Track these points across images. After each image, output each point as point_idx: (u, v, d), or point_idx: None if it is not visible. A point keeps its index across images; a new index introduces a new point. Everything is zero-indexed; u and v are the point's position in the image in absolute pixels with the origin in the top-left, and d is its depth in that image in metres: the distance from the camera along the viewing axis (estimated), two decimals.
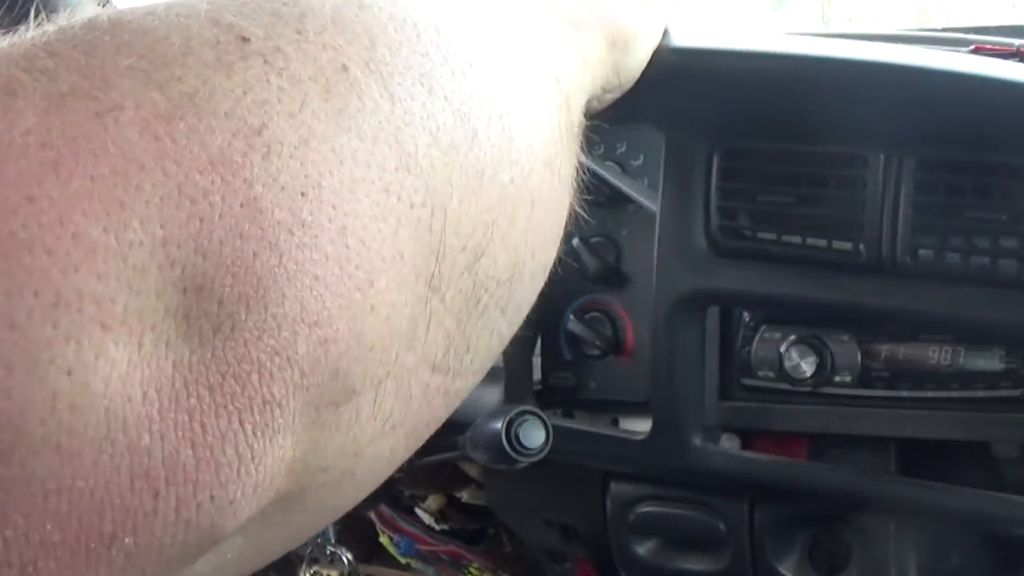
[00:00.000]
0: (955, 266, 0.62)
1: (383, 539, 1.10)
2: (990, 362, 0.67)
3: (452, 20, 0.34)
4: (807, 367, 0.71)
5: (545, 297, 0.79)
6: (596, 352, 0.77)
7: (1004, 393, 0.67)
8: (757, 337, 0.73)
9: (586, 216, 0.78)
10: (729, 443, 0.76)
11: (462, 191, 0.31)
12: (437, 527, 1.08)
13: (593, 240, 0.77)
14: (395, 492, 1.05)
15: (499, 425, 0.66)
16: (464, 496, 1.05)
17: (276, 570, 1.15)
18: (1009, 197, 0.62)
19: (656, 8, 0.58)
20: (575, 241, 0.77)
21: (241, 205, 0.26)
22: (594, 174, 0.76)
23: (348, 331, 0.28)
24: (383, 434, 0.32)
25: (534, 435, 0.66)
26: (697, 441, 0.71)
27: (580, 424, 0.79)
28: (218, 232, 0.25)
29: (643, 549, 0.80)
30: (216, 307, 0.25)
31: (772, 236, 0.67)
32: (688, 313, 0.69)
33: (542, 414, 0.67)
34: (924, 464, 0.72)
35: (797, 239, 0.66)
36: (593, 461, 0.78)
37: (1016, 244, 0.61)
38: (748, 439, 0.76)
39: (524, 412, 0.66)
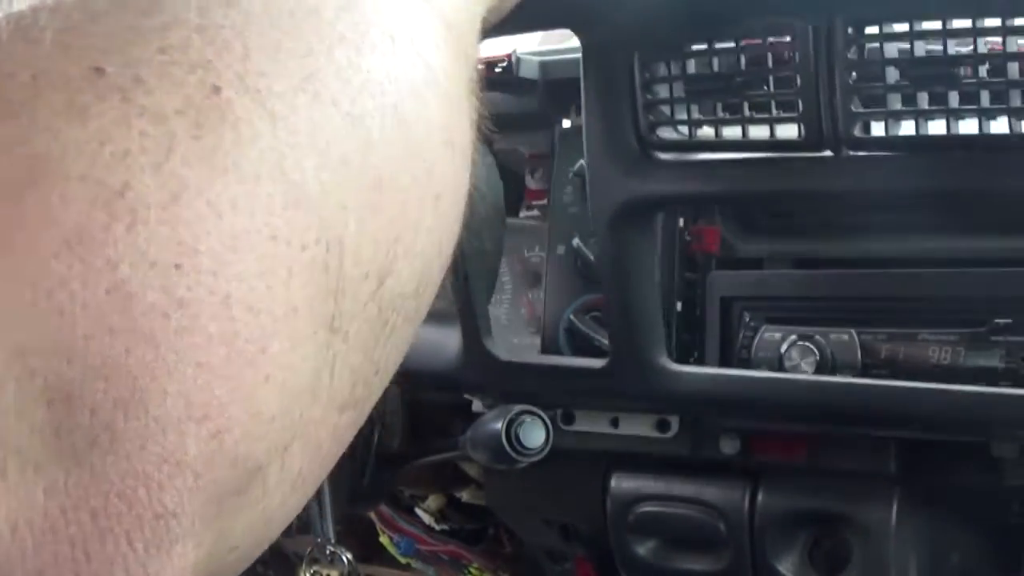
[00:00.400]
0: (907, 133, 0.58)
1: (383, 539, 1.10)
2: (990, 361, 0.67)
3: None
4: (807, 367, 0.71)
5: (545, 297, 0.80)
6: (596, 351, 0.77)
7: (1004, 393, 0.67)
8: (757, 337, 0.73)
9: (586, 216, 0.78)
10: (729, 444, 0.76)
11: (359, 211, 0.28)
12: (437, 527, 1.08)
13: (593, 240, 0.77)
14: (395, 492, 1.05)
15: (499, 425, 0.66)
16: (464, 496, 1.05)
17: (276, 570, 1.15)
18: (962, 41, 0.56)
19: None
20: (575, 241, 0.77)
21: (106, 292, 0.22)
22: None
23: (242, 413, 0.25)
24: (294, 491, 0.29)
25: (534, 435, 0.66)
26: (661, 362, 0.69)
27: (541, 360, 0.77)
28: (82, 328, 0.22)
29: (643, 549, 0.80)
30: (89, 418, 0.22)
31: (710, 131, 0.63)
32: (631, 222, 0.66)
33: (542, 414, 0.67)
34: (924, 464, 0.72)
35: (737, 132, 0.63)
36: (555, 397, 0.76)
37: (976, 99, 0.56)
38: (748, 439, 0.76)
39: (524, 412, 0.66)
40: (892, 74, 0.57)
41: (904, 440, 0.71)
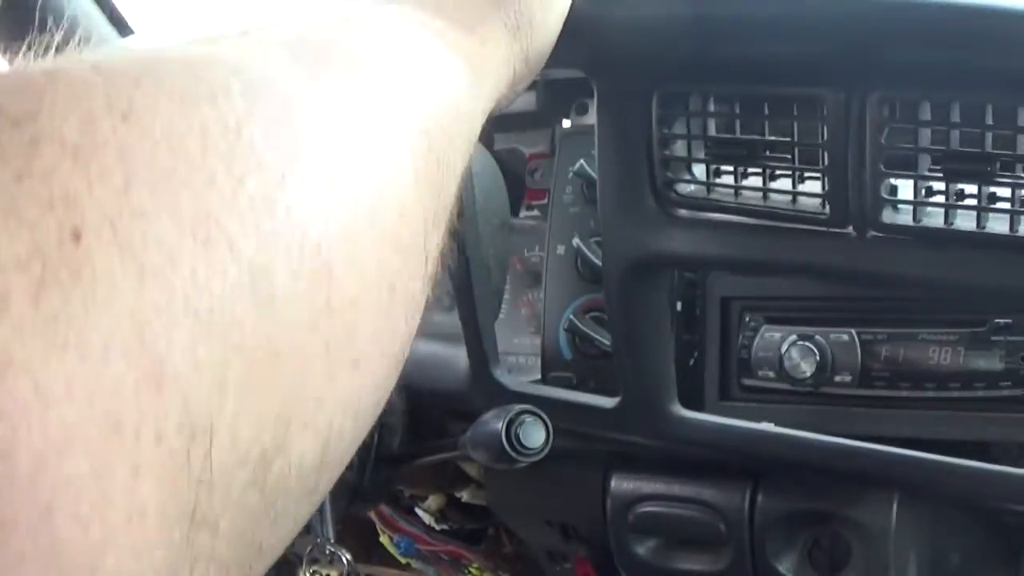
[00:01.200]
0: (934, 225, 0.55)
1: (383, 539, 1.10)
2: (990, 362, 0.67)
3: (265, 99, 0.25)
4: (807, 367, 0.71)
5: (545, 297, 0.80)
6: (596, 351, 0.77)
7: (1004, 393, 0.67)
8: (757, 337, 0.73)
9: (586, 216, 0.78)
10: None
11: (242, 389, 0.22)
12: (437, 527, 1.08)
13: (593, 240, 0.77)
14: (395, 492, 1.05)
15: (499, 425, 0.66)
16: (464, 496, 1.05)
17: (276, 570, 1.15)
18: (1001, 143, 0.53)
19: None
20: (575, 241, 0.77)
21: None
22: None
23: None
24: None
25: (534, 435, 0.66)
26: (671, 409, 0.69)
27: (551, 393, 0.77)
28: None
29: (643, 549, 0.80)
30: None
31: (729, 194, 0.61)
32: (644, 279, 0.65)
33: (542, 414, 0.67)
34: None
35: (758, 197, 0.60)
36: (565, 425, 0.76)
37: (1009, 197, 0.54)
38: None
39: (524, 412, 0.66)
40: (925, 162, 0.55)
41: (904, 440, 0.71)
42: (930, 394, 0.69)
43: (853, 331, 0.71)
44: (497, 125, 0.90)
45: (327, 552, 0.69)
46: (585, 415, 0.73)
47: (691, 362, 0.76)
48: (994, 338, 0.67)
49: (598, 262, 0.76)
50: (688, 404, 0.75)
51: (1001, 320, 0.66)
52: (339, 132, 0.26)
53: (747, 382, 0.74)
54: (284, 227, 0.23)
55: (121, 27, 0.98)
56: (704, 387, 0.75)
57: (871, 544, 0.72)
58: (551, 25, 0.48)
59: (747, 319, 0.74)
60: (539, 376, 0.79)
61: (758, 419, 0.74)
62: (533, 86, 0.85)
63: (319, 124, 0.26)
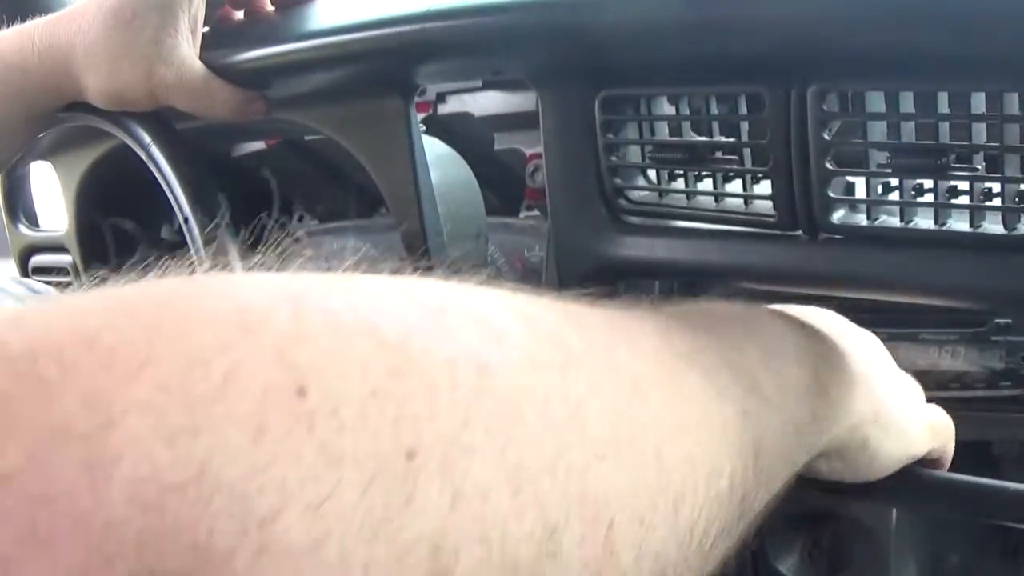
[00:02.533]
0: (890, 225, 0.51)
1: None
2: (990, 362, 0.67)
3: (608, 381, 0.28)
4: None
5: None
6: None
7: (1004, 393, 0.67)
8: None
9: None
10: None
11: None
12: None
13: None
14: None
15: None
16: None
17: None
18: (956, 133, 0.48)
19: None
20: None
21: None
22: None
23: None
24: None
25: None
26: None
27: None
28: None
29: None
30: None
31: (681, 200, 0.59)
32: (600, 284, 0.64)
33: None
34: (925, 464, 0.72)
35: (710, 202, 0.58)
36: None
37: (966, 199, 0.49)
38: None
39: None
40: (876, 158, 0.51)
41: None
42: (930, 394, 0.69)
43: None
44: (497, 125, 0.90)
45: None
46: None
47: None
48: (994, 338, 0.67)
49: None
50: None
51: (1001, 320, 0.66)
52: (674, 420, 0.29)
53: None
54: (588, 498, 0.25)
55: None
56: None
57: (871, 544, 0.72)
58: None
59: None
60: None
61: None
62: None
63: (655, 409, 0.29)
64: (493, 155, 0.89)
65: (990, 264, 0.49)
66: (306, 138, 0.99)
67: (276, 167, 1.06)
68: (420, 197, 0.68)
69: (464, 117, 0.91)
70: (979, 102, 0.47)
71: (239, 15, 0.75)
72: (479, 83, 0.88)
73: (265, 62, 0.68)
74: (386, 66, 0.65)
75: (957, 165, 0.48)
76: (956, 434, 0.68)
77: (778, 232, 0.54)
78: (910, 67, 0.47)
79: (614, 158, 0.59)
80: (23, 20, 0.72)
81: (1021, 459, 0.68)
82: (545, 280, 0.80)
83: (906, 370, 0.69)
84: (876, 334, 0.70)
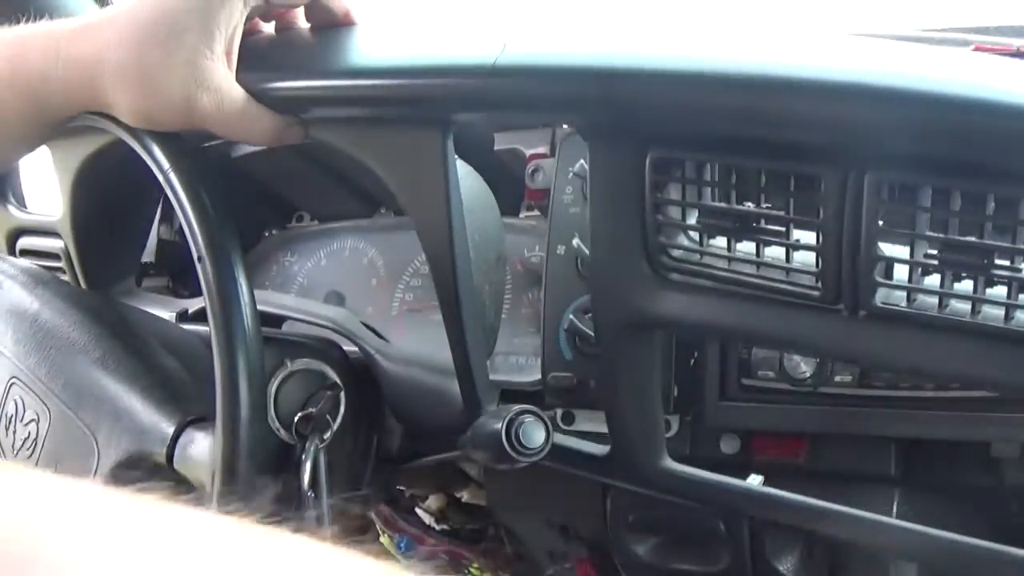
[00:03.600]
0: (927, 312, 0.54)
1: (383, 539, 1.10)
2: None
3: None
4: (807, 367, 0.71)
5: (545, 297, 0.80)
6: (596, 352, 0.77)
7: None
8: None
9: (586, 216, 0.78)
10: (729, 443, 0.76)
11: None
12: (437, 527, 1.08)
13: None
14: (395, 492, 1.05)
15: (499, 425, 0.66)
16: (464, 496, 1.05)
17: None
18: (1000, 233, 0.51)
19: None
20: (575, 241, 0.77)
21: None
22: None
23: None
24: None
25: (534, 435, 0.66)
26: (661, 464, 0.69)
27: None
28: None
29: (643, 549, 0.80)
30: None
31: (722, 263, 0.60)
32: (636, 340, 0.65)
33: (542, 414, 0.67)
34: (924, 464, 0.72)
35: (750, 270, 0.59)
36: (560, 467, 0.76)
37: (1004, 289, 0.52)
38: (748, 439, 0.76)
39: (524, 412, 0.66)
40: (922, 248, 0.53)
41: (904, 440, 0.71)
42: (930, 394, 0.69)
43: None
44: (498, 125, 0.90)
45: None
46: (577, 459, 0.74)
47: (691, 362, 0.76)
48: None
49: None
50: (688, 404, 0.75)
51: None
52: None
53: (747, 382, 0.74)
54: None
55: None
56: (704, 386, 0.75)
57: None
58: None
59: None
60: (539, 376, 0.79)
61: (759, 421, 0.74)
62: None
63: None
64: (493, 155, 0.89)
65: (1019, 356, 0.52)
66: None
67: (276, 167, 1.06)
68: (452, 231, 0.67)
69: None
70: None
71: (268, 27, 0.73)
72: None
73: (309, 93, 0.67)
74: (433, 110, 0.65)
75: (998, 263, 0.51)
76: (956, 434, 0.68)
77: (819, 306, 0.56)
78: (962, 169, 0.50)
79: (660, 216, 0.60)
80: (26, 20, 0.71)
81: (1021, 459, 0.68)
82: (545, 280, 0.80)
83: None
84: None
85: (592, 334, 0.76)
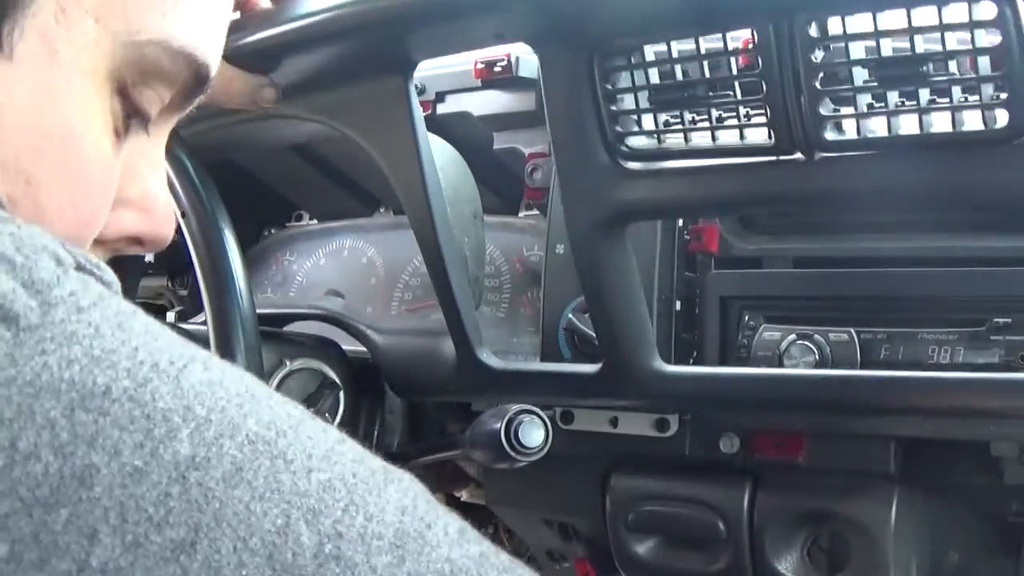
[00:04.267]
0: (879, 135, 0.56)
1: None
2: (989, 360, 0.67)
3: None
4: (806, 366, 0.71)
5: (544, 296, 0.80)
6: (596, 350, 0.77)
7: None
8: (756, 336, 0.73)
9: None
10: (728, 443, 0.76)
11: None
12: None
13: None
14: None
15: (499, 425, 0.66)
16: (464, 496, 1.04)
17: None
18: (930, 42, 0.53)
19: None
20: None
21: None
22: None
23: None
24: None
25: (533, 434, 0.66)
26: (653, 365, 0.68)
27: (534, 367, 0.78)
28: None
29: (643, 548, 0.80)
30: None
31: (679, 139, 0.62)
32: (606, 233, 0.65)
33: (542, 414, 0.67)
34: (924, 464, 0.72)
35: (706, 139, 0.61)
36: (551, 401, 0.77)
37: (945, 99, 0.54)
38: (748, 439, 0.76)
39: (523, 412, 0.66)
40: (860, 74, 0.56)
41: (904, 439, 0.71)
42: (929, 374, 0.68)
43: (852, 330, 0.70)
44: (497, 125, 0.90)
45: None
46: (570, 385, 0.73)
47: (691, 361, 0.76)
48: (993, 337, 0.67)
49: None
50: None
51: (1000, 319, 0.66)
52: None
53: None
54: None
55: None
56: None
57: (871, 544, 0.72)
58: None
59: (746, 318, 0.74)
60: None
61: (758, 420, 0.74)
62: (532, 86, 0.85)
63: None
64: (492, 155, 0.89)
65: (971, 162, 0.54)
66: (306, 138, 0.99)
67: (276, 167, 1.06)
68: (424, 177, 0.69)
69: (463, 117, 0.91)
70: (952, 12, 0.51)
71: (234, 15, 0.74)
72: (478, 83, 0.89)
73: (273, 40, 0.68)
74: (385, 38, 0.66)
75: (935, 73, 0.53)
76: (956, 434, 0.68)
77: (776, 158, 0.58)
78: None
79: (614, 106, 0.62)
80: None
81: (1021, 459, 0.68)
82: (545, 280, 0.80)
83: (906, 369, 0.69)
84: (875, 332, 0.71)
85: (592, 334, 0.76)
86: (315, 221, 1.11)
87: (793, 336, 0.71)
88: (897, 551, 0.71)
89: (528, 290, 0.91)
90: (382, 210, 1.06)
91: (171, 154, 0.68)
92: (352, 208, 1.06)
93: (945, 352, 0.68)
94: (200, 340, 0.80)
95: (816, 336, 0.71)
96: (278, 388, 0.72)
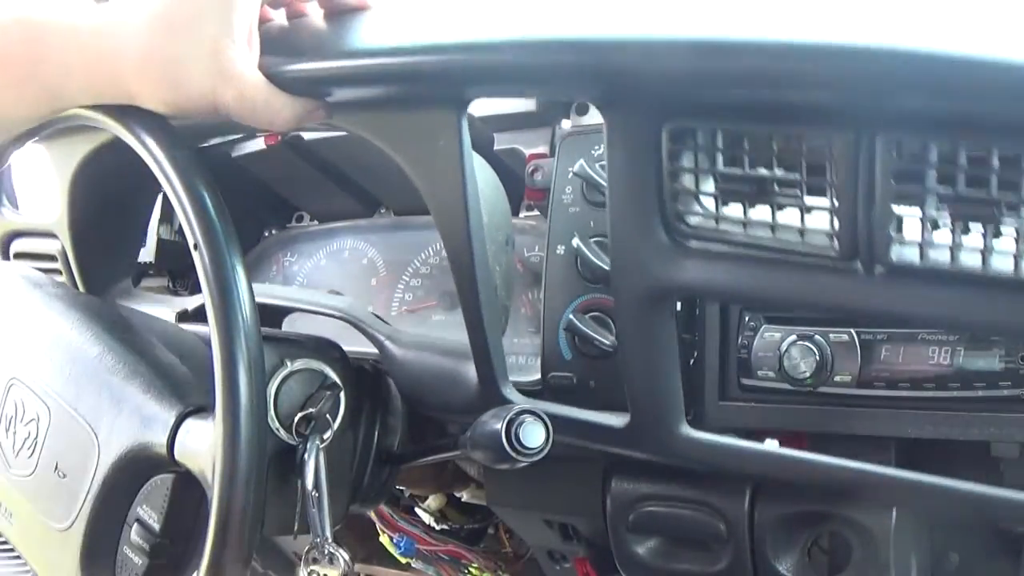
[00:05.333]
0: (939, 265, 0.56)
1: (383, 539, 1.10)
2: (990, 362, 0.67)
3: None
4: (807, 367, 0.71)
5: (545, 297, 0.80)
6: (596, 351, 0.77)
7: (1004, 393, 0.67)
8: (757, 337, 0.73)
9: (586, 216, 0.78)
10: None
11: None
12: (437, 527, 1.08)
13: (593, 240, 0.77)
14: (395, 492, 1.05)
15: (499, 425, 0.66)
16: (464, 496, 1.05)
17: (276, 570, 1.14)
18: (1006, 187, 0.53)
19: None
20: (575, 241, 0.77)
21: None
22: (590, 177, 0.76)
23: None
24: None
25: (534, 435, 0.66)
26: (680, 430, 0.69)
27: (560, 411, 0.77)
28: None
29: (643, 549, 0.80)
30: None
31: (738, 229, 0.62)
32: (655, 308, 0.66)
33: (542, 414, 0.67)
34: (924, 464, 0.72)
35: (766, 233, 0.61)
36: (577, 441, 0.76)
37: (1011, 241, 0.54)
38: (748, 438, 0.76)
39: (524, 412, 0.66)
40: (932, 202, 0.55)
41: (904, 440, 0.71)
42: (930, 394, 0.69)
43: (853, 331, 0.71)
44: (497, 125, 0.90)
45: (326, 552, 0.69)
46: (594, 432, 0.74)
47: (691, 362, 0.76)
48: (993, 338, 0.67)
49: (598, 262, 0.76)
50: (688, 403, 0.75)
51: None
52: None
53: (747, 382, 0.74)
54: None
55: None
56: (704, 387, 0.75)
57: (871, 544, 0.72)
58: None
59: (747, 319, 0.74)
60: (539, 376, 0.79)
61: (759, 421, 0.74)
62: None
63: None
64: (493, 155, 0.89)
65: None
66: (306, 138, 0.99)
67: (276, 167, 1.06)
68: (468, 212, 0.68)
69: None
70: None
71: (277, 15, 0.73)
72: None
73: (328, 73, 0.67)
74: (449, 87, 0.65)
75: (1006, 214, 0.53)
76: (956, 434, 0.68)
77: (836, 265, 0.58)
78: (966, 127, 0.52)
79: (676, 184, 0.61)
80: None
81: (1021, 459, 0.68)
82: (545, 280, 0.80)
83: (906, 369, 0.70)
84: (875, 333, 0.71)
85: (592, 334, 0.76)
86: (315, 222, 1.11)
87: (793, 337, 0.72)
88: (897, 552, 0.71)
89: (528, 291, 0.91)
90: (382, 210, 1.06)
91: (169, 149, 0.68)
92: (352, 208, 1.06)
93: (945, 353, 0.68)
94: (201, 338, 0.80)
95: (816, 337, 0.71)
96: (278, 388, 0.72)
